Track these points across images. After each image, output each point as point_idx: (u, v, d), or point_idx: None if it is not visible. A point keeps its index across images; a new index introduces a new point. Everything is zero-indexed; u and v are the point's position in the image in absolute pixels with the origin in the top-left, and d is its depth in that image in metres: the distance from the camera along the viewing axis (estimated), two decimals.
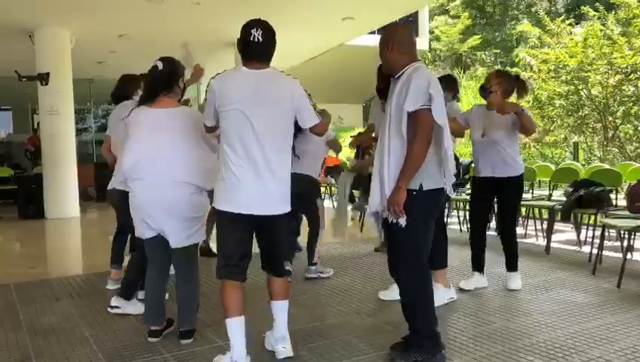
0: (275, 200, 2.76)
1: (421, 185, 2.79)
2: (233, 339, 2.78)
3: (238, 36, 2.81)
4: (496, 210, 4.29)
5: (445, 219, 4.42)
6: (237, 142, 2.72)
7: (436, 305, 3.47)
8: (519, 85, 4.13)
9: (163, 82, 3.24)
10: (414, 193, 2.77)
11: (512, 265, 4.27)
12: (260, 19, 2.82)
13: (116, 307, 3.82)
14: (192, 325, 3.32)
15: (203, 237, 3.42)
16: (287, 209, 2.82)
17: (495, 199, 4.34)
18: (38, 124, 10.55)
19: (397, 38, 2.91)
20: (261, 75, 2.77)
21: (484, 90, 4.10)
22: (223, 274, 2.81)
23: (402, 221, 2.76)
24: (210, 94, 2.79)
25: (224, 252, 2.82)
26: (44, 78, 9.04)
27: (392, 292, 3.80)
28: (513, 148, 4.10)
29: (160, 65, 3.26)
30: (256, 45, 2.75)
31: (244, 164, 2.71)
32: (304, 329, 3.44)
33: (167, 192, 3.13)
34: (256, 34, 2.74)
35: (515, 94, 4.17)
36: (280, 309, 2.94)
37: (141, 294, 3.86)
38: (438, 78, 4.94)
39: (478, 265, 4.30)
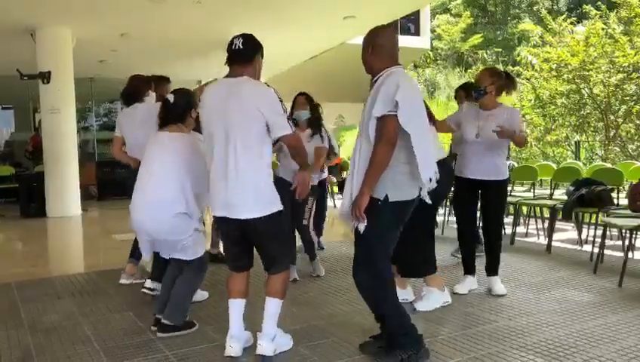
0: (239, 206, 2.80)
1: (387, 195, 2.74)
2: (230, 317, 3.01)
3: None
4: (480, 212, 4.23)
5: (435, 223, 4.28)
6: (210, 150, 2.91)
7: (431, 309, 3.48)
8: (508, 82, 4.10)
9: (175, 115, 3.38)
10: (379, 203, 2.74)
11: (493, 269, 4.14)
12: (244, 35, 2.94)
13: (154, 289, 3.91)
14: (174, 321, 3.36)
15: (195, 255, 3.41)
16: (258, 214, 2.81)
17: (479, 201, 4.19)
18: (39, 122, 10.56)
19: (377, 40, 2.87)
20: (232, 84, 2.86)
21: (477, 92, 4.01)
22: (229, 266, 3.08)
23: (361, 226, 2.75)
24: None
25: (225, 248, 3.20)
26: (45, 77, 9.05)
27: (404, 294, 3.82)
28: (504, 151, 4.07)
29: (172, 99, 3.38)
30: (236, 51, 2.87)
31: (215, 170, 2.88)
32: (306, 327, 3.44)
33: (151, 212, 3.27)
34: (238, 42, 2.88)
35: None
36: (267, 304, 2.97)
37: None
38: (460, 86, 4.92)
39: (469, 268, 4.22)
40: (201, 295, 4.09)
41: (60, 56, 9.30)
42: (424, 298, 3.80)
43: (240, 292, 3.00)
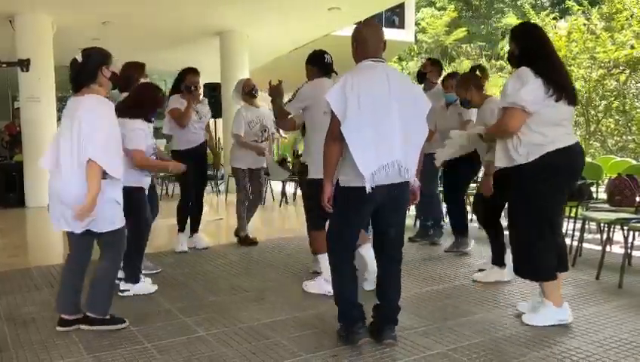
0: (318, 171, 3.43)
1: (338, 180, 2.96)
2: (368, 260, 3.87)
3: (313, 54, 4.13)
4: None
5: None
6: (319, 128, 3.60)
7: (544, 324, 3.27)
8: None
9: (82, 74, 3.19)
10: (336, 186, 2.98)
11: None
12: (324, 50, 4.14)
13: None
14: (99, 313, 3.29)
15: (110, 226, 3.24)
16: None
17: None
18: (17, 109, 10.38)
19: (354, 36, 3.04)
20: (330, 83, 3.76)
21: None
22: (317, 226, 3.89)
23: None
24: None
25: (313, 208, 3.88)
26: (24, 65, 8.90)
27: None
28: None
29: (79, 58, 3.22)
30: (330, 66, 4.11)
31: (319, 143, 3.41)
32: (286, 319, 3.45)
33: (59, 180, 3.12)
34: (329, 57, 4.10)
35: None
36: (320, 258, 4.02)
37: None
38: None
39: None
40: (147, 289, 4.07)
41: (40, 43, 9.16)
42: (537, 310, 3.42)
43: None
